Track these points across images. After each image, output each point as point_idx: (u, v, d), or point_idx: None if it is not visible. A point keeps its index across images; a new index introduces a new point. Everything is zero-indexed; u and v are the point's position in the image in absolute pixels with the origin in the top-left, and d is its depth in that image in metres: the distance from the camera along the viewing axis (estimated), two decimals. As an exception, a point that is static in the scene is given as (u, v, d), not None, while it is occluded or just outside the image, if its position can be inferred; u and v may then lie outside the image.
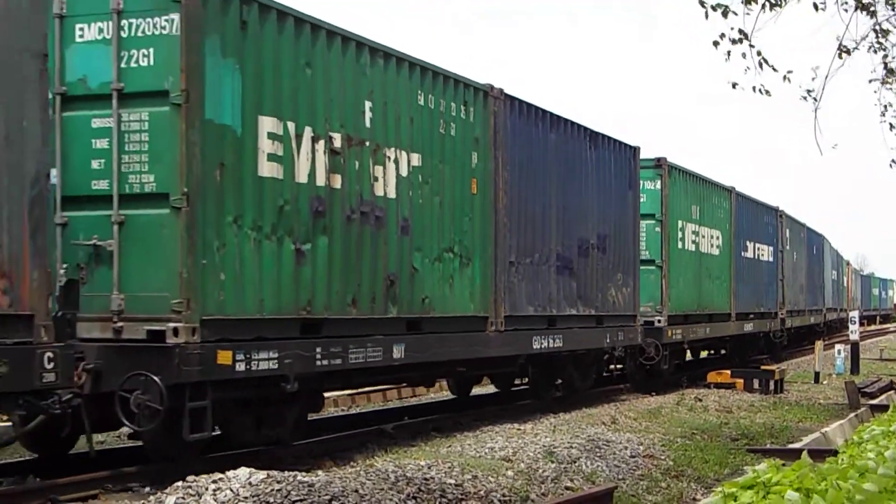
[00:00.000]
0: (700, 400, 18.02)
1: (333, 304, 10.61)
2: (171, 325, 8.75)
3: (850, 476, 5.86)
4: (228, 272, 9.29)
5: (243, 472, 7.98)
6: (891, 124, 12.45)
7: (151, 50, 8.96)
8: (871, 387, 21.50)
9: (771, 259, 30.63)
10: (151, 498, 7.70)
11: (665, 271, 20.31)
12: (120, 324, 8.92)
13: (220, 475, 7.90)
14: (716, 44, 9.84)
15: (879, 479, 5.61)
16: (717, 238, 24.57)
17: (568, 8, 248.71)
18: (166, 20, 8.92)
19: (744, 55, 9.90)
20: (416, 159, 12.05)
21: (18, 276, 7.37)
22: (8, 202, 7.32)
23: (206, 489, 7.68)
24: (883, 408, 15.96)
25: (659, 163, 20.50)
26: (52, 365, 7.57)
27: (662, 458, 11.97)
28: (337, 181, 10.69)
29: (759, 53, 9.89)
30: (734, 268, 25.82)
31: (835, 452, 9.23)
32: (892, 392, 21.05)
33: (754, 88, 10.20)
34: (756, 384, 20.52)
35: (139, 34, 8.97)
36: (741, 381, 20.65)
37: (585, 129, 16.59)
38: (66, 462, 9.92)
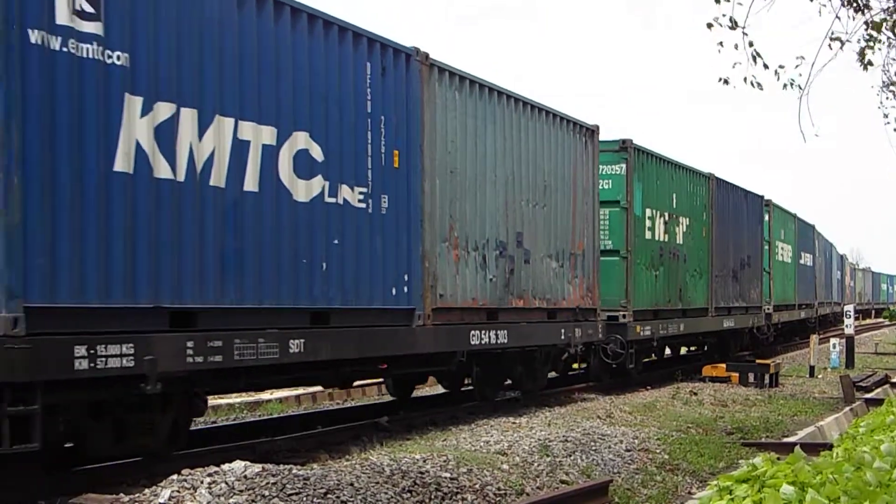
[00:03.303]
0: (695, 394, 18.20)
1: (663, 301, 20.40)
2: (621, 312, 18.46)
3: (846, 470, 5.77)
4: (638, 287, 19.03)
5: (238, 465, 8.09)
6: None
7: (610, 181, 18.61)
8: (866, 381, 21.27)
9: (811, 264, 40.65)
10: (147, 491, 7.76)
11: (772, 276, 30.32)
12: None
13: (216, 468, 8.04)
14: (710, 26, 9.30)
15: (875, 473, 5.51)
16: (789, 250, 34.54)
17: (563, 5, 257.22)
18: (618, 166, 18.61)
19: (736, 46, 9.51)
20: (688, 221, 21.85)
21: (593, 291, 17.11)
22: (590, 261, 17.04)
23: (202, 482, 7.72)
24: (878, 402, 15.98)
25: (768, 202, 30.43)
26: (600, 330, 17.32)
27: (657, 451, 11.91)
28: (666, 237, 20.48)
29: (751, 44, 9.47)
30: (797, 271, 35.86)
31: (830, 446, 9.16)
32: (887, 386, 20.99)
33: (745, 80, 9.78)
34: (751, 378, 20.80)
35: (604, 172, 18.58)
36: (736, 374, 20.97)
37: (743, 189, 26.48)
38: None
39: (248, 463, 8.23)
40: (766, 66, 9.72)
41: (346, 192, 11.15)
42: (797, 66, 10.06)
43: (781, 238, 32.67)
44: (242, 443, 11.14)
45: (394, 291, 11.95)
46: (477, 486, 8.98)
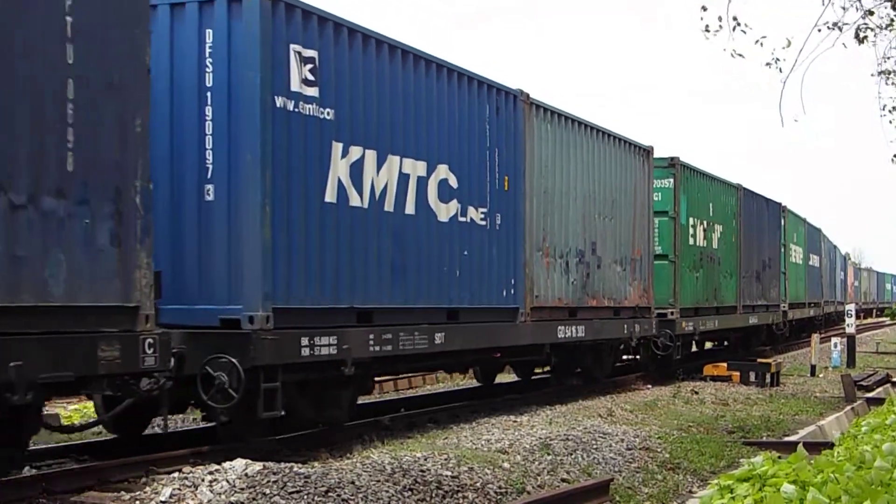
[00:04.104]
0: (696, 392, 18.21)
1: (702, 299, 22.87)
2: (669, 310, 20.91)
3: (847, 469, 5.81)
4: (683, 287, 21.49)
5: (239, 463, 8.12)
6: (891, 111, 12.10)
7: (660, 194, 21.05)
8: (867, 380, 21.33)
9: (818, 265, 43.18)
10: (147, 489, 7.79)
11: (787, 276, 32.82)
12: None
13: (216, 466, 8.08)
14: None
15: (876, 472, 5.54)
16: (800, 252, 37.04)
17: (567, 4, 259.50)
18: (667, 181, 21.06)
19: (720, 18, 9.65)
20: (721, 228, 24.33)
21: (648, 291, 19.53)
22: (646, 265, 19.47)
23: (203, 480, 7.73)
24: (879, 401, 15.98)
25: (784, 209, 32.91)
26: (653, 325, 19.73)
27: (658, 450, 11.89)
28: (705, 243, 22.96)
29: (734, 18, 9.53)
30: (807, 272, 38.37)
31: (831, 445, 9.11)
32: (888, 385, 20.99)
33: (731, 53, 9.95)
34: (752, 377, 20.91)
35: (655, 186, 20.98)
36: (737, 373, 21.07)
37: (764, 197, 29.01)
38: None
39: (248, 461, 8.31)
40: (744, 32, 9.73)
41: (472, 213, 13.58)
42: (785, 48, 10.09)
43: (794, 241, 35.15)
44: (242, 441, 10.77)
45: (504, 293, 14.38)
46: (478, 484, 9.02)
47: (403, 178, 12.17)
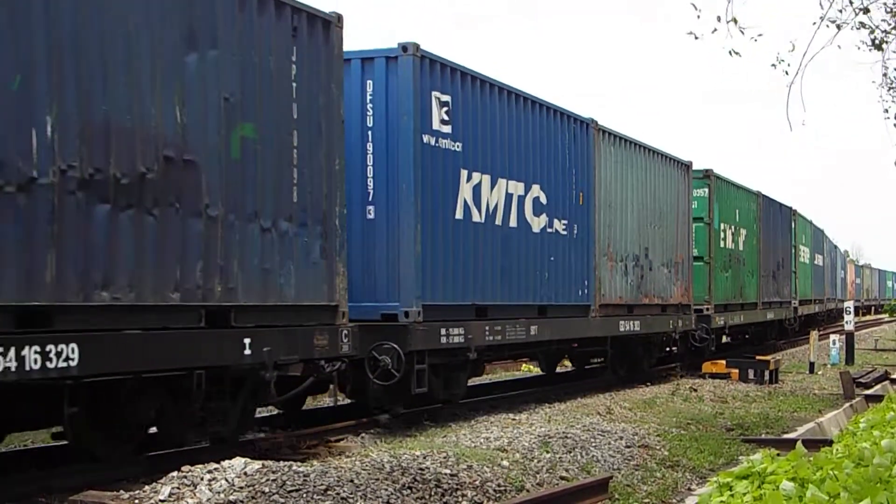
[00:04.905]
0: (695, 390, 18.34)
1: (731, 296, 25.40)
2: (705, 306, 23.42)
3: (846, 466, 5.79)
4: (717, 284, 24.01)
5: (238, 462, 8.19)
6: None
7: (696, 202, 23.54)
8: (865, 377, 21.50)
9: (821, 264, 45.76)
10: (147, 488, 7.84)
11: (797, 275, 35.42)
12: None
13: (216, 465, 8.13)
14: None
15: (875, 469, 5.52)
16: (807, 253, 39.63)
17: (568, 5, 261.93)
18: (702, 190, 23.57)
19: (719, 18, 9.74)
20: (745, 231, 26.88)
21: (688, 290, 22.03)
22: (686, 267, 22.00)
23: (202, 479, 7.81)
24: (878, 398, 16.01)
25: (794, 212, 35.49)
26: (692, 320, 22.25)
27: (657, 448, 11.94)
28: (733, 245, 25.50)
29: (734, 20, 9.62)
30: (812, 271, 40.99)
31: (830, 442, 9.09)
32: (886, 382, 20.94)
33: (730, 52, 9.98)
34: (751, 374, 21.06)
35: (694, 195, 23.48)
36: (736, 371, 21.31)
37: (778, 202, 31.63)
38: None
39: (247, 459, 8.40)
40: (742, 32, 9.76)
41: (557, 224, 16.07)
42: (790, 51, 10.15)
43: (802, 242, 37.76)
44: (242, 440, 11.09)
45: (579, 292, 16.88)
46: (477, 482, 9.06)
47: (508, 197, 14.65)
